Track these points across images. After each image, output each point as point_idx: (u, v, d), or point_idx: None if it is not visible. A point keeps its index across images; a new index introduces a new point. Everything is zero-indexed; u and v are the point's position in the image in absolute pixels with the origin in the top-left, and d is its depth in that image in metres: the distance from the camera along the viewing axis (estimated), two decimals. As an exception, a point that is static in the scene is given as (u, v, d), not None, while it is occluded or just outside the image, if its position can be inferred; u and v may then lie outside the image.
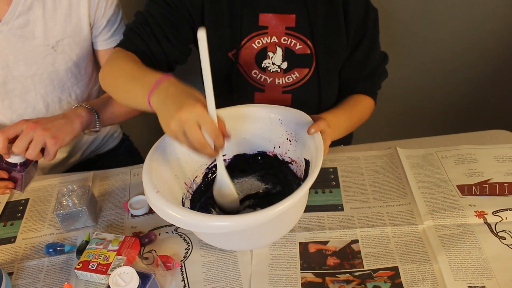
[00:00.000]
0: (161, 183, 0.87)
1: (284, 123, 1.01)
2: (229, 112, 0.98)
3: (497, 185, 1.03)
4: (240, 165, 1.08)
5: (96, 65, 1.29)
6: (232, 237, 0.89)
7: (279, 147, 1.03)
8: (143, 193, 1.08)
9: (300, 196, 0.78)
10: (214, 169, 1.04)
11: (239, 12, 1.09)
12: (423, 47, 1.81)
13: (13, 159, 0.99)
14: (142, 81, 0.90)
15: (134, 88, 0.92)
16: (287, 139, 1.01)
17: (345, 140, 1.28)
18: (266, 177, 1.07)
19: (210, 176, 1.05)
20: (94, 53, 1.26)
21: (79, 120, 1.07)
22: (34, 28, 1.12)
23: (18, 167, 1.00)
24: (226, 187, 0.95)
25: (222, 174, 0.94)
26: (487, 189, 1.02)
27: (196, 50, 0.84)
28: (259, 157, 1.07)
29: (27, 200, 1.13)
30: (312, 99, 1.18)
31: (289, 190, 1.01)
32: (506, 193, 1.01)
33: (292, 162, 1.03)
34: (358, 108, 1.19)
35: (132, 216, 1.06)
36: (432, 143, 1.18)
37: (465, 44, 1.81)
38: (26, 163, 1.01)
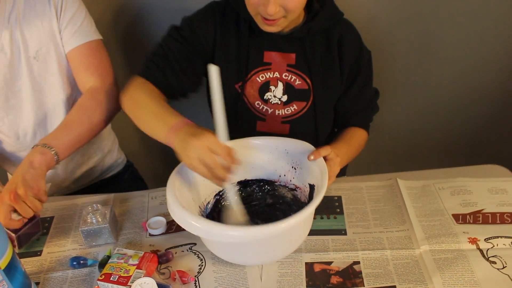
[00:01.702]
0: (182, 201, 0.96)
1: (289, 153, 1.11)
2: (237, 144, 1.09)
3: (490, 214, 1.11)
4: (245, 192, 1.17)
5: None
6: (243, 250, 0.97)
7: (284, 175, 1.13)
8: (160, 215, 1.18)
9: (308, 212, 0.87)
10: (224, 195, 1.14)
11: (246, 49, 1.21)
12: (424, 88, 1.91)
13: None
14: (163, 120, 1.02)
15: (156, 125, 1.03)
16: (292, 167, 1.11)
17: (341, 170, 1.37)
18: (271, 204, 1.16)
19: (222, 202, 1.14)
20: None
21: (42, 164, 1.12)
22: (19, 46, 1.24)
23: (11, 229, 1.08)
24: (236, 210, 1.05)
25: (232, 198, 1.04)
26: (480, 218, 1.10)
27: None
28: (265, 185, 1.17)
29: (52, 218, 1.22)
30: (308, 129, 1.29)
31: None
32: (498, 222, 1.09)
33: (296, 189, 1.12)
34: (355, 140, 1.30)
35: (150, 235, 1.14)
36: (430, 175, 1.27)
37: (463, 87, 1.91)
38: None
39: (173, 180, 1.01)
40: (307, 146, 1.08)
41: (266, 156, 1.14)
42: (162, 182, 1.31)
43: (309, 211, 0.87)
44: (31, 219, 1.11)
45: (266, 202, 1.16)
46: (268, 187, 1.17)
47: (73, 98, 1.37)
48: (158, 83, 1.18)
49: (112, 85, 1.32)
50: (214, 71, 0.91)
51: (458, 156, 2.03)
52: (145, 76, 1.19)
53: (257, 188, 1.17)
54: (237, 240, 0.87)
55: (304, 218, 0.87)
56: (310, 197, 1.05)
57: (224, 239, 0.88)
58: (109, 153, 1.55)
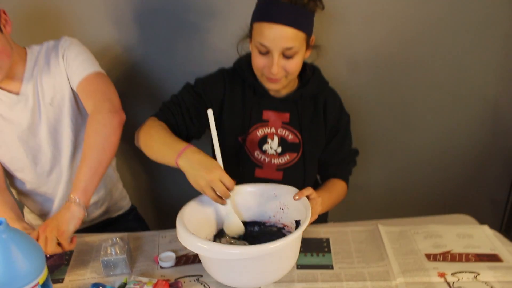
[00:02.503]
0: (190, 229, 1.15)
1: (277, 196, 1.32)
2: (236, 190, 1.28)
3: (457, 254, 1.29)
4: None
5: (80, 111, 1.53)
6: (239, 270, 1.13)
7: (274, 216, 1.33)
8: (170, 250, 1.33)
9: (295, 236, 1.07)
10: (220, 234, 1.32)
11: (249, 107, 1.44)
12: (403, 150, 2.13)
13: None
14: (172, 147, 1.25)
15: (165, 151, 1.27)
16: (280, 208, 1.31)
17: (322, 218, 1.58)
18: (260, 239, 1.33)
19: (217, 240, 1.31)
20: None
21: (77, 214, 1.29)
22: (39, 95, 1.46)
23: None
24: (234, 219, 1.28)
25: (230, 211, 1.27)
26: (449, 257, 1.28)
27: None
28: (255, 226, 1.36)
29: (71, 252, 1.37)
30: (298, 176, 1.49)
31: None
32: (464, 260, 1.26)
33: (284, 227, 1.31)
34: (335, 189, 1.51)
35: (161, 267, 1.29)
36: (407, 222, 1.45)
37: (439, 150, 2.13)
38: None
39: (181, 218, 1.19)
40: (292, 190, 1.29)
41: (258, 200, 1.34)
42: (163, 226, 1.50)
43: (296, 234, 1.08)
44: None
45: (258, 238, 1.33)
46: (257, 227, 1.35)
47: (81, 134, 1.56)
48: (168, 123, 1.40)
49: (113, 103, 1.42)
50: (210, 114, 1.22)
51: (432, 206, 2.21)
52: (159, 117, 1.41)
53: (250, 228, 1.35)
54: (236, 257, 1.06)
55: (291, 240, 1.07)
56: None
57: (225, 256, 1.06)
58: (114, 189, 1.73)
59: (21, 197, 1.62)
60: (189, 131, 1.43)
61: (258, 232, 1.34)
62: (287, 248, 1.14)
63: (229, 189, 1.18)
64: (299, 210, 1.23)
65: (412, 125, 2.09)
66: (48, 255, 1.25)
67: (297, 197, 1.23)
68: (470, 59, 1.95)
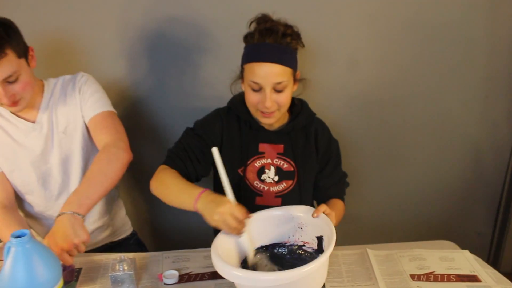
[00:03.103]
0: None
1: (294, 217, 1.41)
2: (254, 217, 1.36)
3: (439, 275, 1.39)
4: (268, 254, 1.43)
5: (91, 140, 1.65)
6: None
7: (293, 235, 1.42)
8: (173, 269, 1.42)
9: (326, 257, 1.16)
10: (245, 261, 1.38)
11: (246, 142, 1.57)
12: (391, 185, 2.27)
13: None
14: (189, 193, 1.35)
15: (183, 197, 1.37)
16: (298, 227, 1.41)
17: None
18: (287, 260, 1.41)
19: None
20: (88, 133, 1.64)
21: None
22: (53, 124, 1.59)
23: None
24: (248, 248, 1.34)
25: (244, 241, 1.33)
26: (432, 277, 1.38)
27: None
28: (276, 247, 1.43)
29: (80, 269, 1.45)
30: (295, 201, 1.61)
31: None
32: (445, 280, 1.36)
33: (305, 244, 1.41)
34: (337, 207, 1.61)
35: (165, 284, 1.38)
36: (393, 247, 1.56)
37: (426, 183, 2.27)
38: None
39: (216, 249, 1.25)
40: (307, 208, 1.40)
41: (276, 223, 1.43)
42: (161, 250, 1.57)
43: (326, 255, 1.16)
44: (67, 267, 1.36)
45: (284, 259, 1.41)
46: (282, 248, 1.43)
47: (89, 161, 1.67)
48: (179, 169, 1.51)
49: (123, 142, 1.56)
50: (215, 152, 1.31)
51: (417, 233, 2.31)
52: (169, 165, 1.52)
53: (272, 250, 1.43)
54: (270, 284, 1.12)
55: (322, 262, 1.15)
56: (319, 247, 1.36)
57: (260, 284, 1.12)
58: (118, 215, 1.85)
59: (28, 219, 1.73)
60: (198, 172, 1.55)
61: (282, 253, 1.42)
62: (318, 270, 1.20)
63: (241, 220, 1.27)
64: (317, 226, 1.34)
65: (399, 160, 2.21)
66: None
67: (315, 215, 1.34)
68: (452, 100, 2.10)
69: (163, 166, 1.53)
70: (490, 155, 2.23)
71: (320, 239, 1.36)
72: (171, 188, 1.43)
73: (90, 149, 1.67)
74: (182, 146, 1.56)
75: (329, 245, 1.19)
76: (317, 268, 1.14)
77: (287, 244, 1.43)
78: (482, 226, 2.42)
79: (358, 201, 2.15)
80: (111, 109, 1.65)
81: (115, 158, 1.50)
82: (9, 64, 1.39)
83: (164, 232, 2.32)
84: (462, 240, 2.32)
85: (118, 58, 1.95)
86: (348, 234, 1.94)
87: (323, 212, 1.35)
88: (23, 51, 1.46)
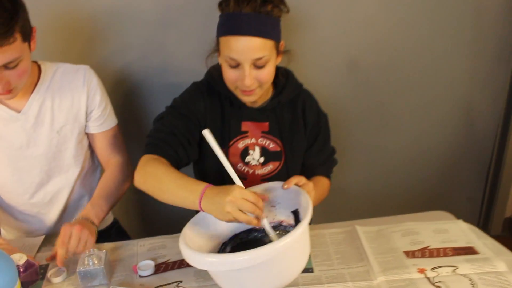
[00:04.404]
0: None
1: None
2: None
3: (435, 250, 1.30)
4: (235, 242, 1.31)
5: (89, 146, 1.58)
6: (247, 277, 1.08)
7: (266, 217, 1.29)
8: (149, 259, 1.31)
9: (303, 228, 1.03)
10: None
11: (228, 121, 1.42)
12: (380, 151, 2.19)
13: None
14: (190, 190, 1.17)
15: (183, 195, 1.19)
16: (271, 206, 1.29)
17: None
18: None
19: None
20: (87, 136, 1.56)
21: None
22: (44, 118, 1.43)
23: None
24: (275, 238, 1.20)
25: (270, 230, 1.19)
26: (427, 253, 1.29)
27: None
28: (248, 234, 1.32)
29: (47, 265, 1.33)
30: None
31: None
32: (441, 255, 1.28)
33: (281, 224, 1.29)
34: (321, 184, 1.52)
35: (140, 276, 1.27)
36: (384, 222, 1.46)
37: (416, 149, 2.20)
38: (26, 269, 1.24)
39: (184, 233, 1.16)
40: (277, 184, 1.28)
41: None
42: (147, 235, 1.47)
43: (304, 225, 1.04)
44: (30, 267, 1.24)
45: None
46: (257, 232, 1.31)
47: (79, 167, 1.55)
48: (168, 157, 1.34)
49: (128, 160, 1.60)
50: (208, 134, 1.12)
51: (409, 205, 2.23)
52: (156, 153, 1.33)
53: (248, 236, 1.32)
54: (245, 265, 1.00)
55: (299, 233, 1.02)
56: (296, 222, 1.25)
57: (232, 266, 1.01)
58: None
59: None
60: (190, 157, 1.39)
61: (260, 238, 1.30)
62: (300, 242, 1.08)
63: (256, 204, 1.11)
64: (291, 200, 1.22)
65: (388, 126, 2.13)
66: (21, 270, 1.21)
67: (286, 186, 1.23)
68: (442, 62, 2.01)
69: (148, 156, 1.33)
70: (481, 118, 2.16)
71: (296, 213, 1.24)
72: (166, 184, 1.23)
73: (82, 156, 1.55)
74: (169, 129, 1.37)
75: (306, 215, 1.07)
76: (296, 240, 1.02)
77: (258, 228, 1.30)
78: (473, 191, 2.36)
79: (345, 172, 2.06)
80: (116, 121, 1.60)
81: (128, 178, 1.56)
82: (14, 49, 1.20)
83: (148, 217, 2.22)
84: (452, 206, 2.29)
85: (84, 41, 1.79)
86: (334, 208, 1.85)
87: (296, 184, 1.23)
88: (28, 33, 1.27)
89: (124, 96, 1.94)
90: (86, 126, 1.51)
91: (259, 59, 1.25)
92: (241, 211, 1.09)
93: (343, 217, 1.51)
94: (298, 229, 1.03)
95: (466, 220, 1.45)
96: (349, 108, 2.06)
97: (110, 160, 1.57)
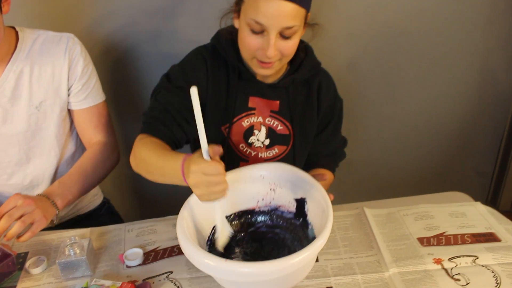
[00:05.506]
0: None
1: (265, 178, 1.15)
2: None
3: (452, 236, 1.18)
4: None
5: (71, 124, 1.44)
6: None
7: (263, 199, 1.17)
8: (137, 247, 1.19)
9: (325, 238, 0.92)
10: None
11: (234, 94, 1.26)
12: (389, 123, 2.06)
13: None
14: (172, 166, 1.02)
15: (168, 173, 1.04)
16: (270, 189, 1.16)
17: None
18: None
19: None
20: (69, 113, 1.41)
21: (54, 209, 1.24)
22: (22, 91, 1.28)
23: None
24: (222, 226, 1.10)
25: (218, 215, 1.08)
26: (443, 240, 1.17)
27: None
28: (245, 215, 1.19)
29: (26, 253, 1.22)
30: None
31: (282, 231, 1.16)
32: (459, 242, 1.16)
33: (278, 208, 1.17)
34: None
35: (127, 266, 1.15)
36: (394, 203, 1.34)
37: (425, 121, 2.07)
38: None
39: (181, 217, 1.03)
40: (281, 166, 1.15)
41: (241, 186, 1.16)
42: (137, 217, 1.35)
43: (324, 237, 0.93)
44: (5, 258, 1.11)
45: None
46: (248, 216, 1.19)
47: (62, 148, 1.41)
48: (164, 137, 1.18)
49: (115, 141, 1.47)
50: (194, 93, 0.94)
51: (418, 181, 2.16)
52: (151, 133, 1.19)
53: (237, 219, 1.19)
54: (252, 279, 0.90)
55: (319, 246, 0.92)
56: (298, 210, 1.13)
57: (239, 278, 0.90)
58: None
59: None
60: (188, 135, 1.24)
61: (256, 224, 1.19)
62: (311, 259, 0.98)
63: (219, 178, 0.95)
64: (296, 185, 1.11)
65: (397, 97, 2.00)
66: None
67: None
68: (455, 27, 1.87)
69: (142, 136, 1.18)
70: (495, 86, 2.02)
71: (301, 202, 1.12)
72: (151, 165, 1.10)
73: (63, 135, 1.40)
74: (162, 106, 1.21)
75: (327, 221, 0.95)
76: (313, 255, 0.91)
77: (255, 210, 1.19)
78: (483, 165, 2.25)
79: (352, 148, 1.93)
80: (103, 97, 1.44)
81: (109, 160, 1.43)
82: None
83: (143, 195, 2.09)
84: (461, 180, 2.19)
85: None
86: (342, 187, 1.73)
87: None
88: None
89: (113, 67, 1.78)
90: (68, 102, 1.36)
91: (289, 28, 1.08)
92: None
93: (350, 197, 1.39)
94: (319, 240, 0.92)
95: (475, 194, 1.36)
96: (356, 78, 1.93)
97: (92, 139, 1.42)
